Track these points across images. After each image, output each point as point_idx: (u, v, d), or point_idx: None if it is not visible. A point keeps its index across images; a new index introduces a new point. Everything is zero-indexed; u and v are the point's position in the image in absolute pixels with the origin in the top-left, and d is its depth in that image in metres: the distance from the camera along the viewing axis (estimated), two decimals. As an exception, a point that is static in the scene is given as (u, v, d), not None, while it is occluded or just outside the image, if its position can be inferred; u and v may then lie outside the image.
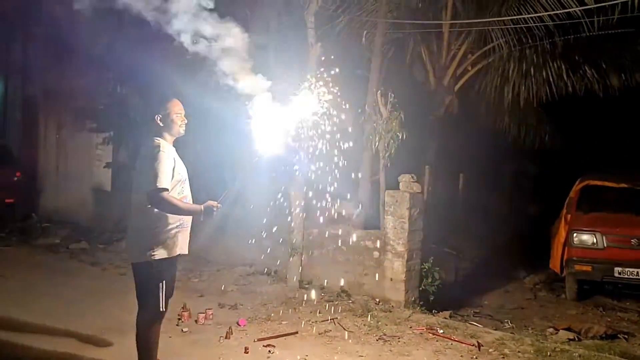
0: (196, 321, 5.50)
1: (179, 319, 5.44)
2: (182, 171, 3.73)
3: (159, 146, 3.61)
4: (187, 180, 3.81)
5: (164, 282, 3.69)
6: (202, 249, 7.92)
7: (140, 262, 3.68)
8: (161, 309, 3.73)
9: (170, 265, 3.78)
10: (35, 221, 10.22)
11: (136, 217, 3.72)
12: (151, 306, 3.71)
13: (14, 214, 10.30)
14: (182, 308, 5.56)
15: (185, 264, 7.72)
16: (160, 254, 3.64)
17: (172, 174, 3.60)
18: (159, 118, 3.70)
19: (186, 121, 3.79)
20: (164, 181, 3.51)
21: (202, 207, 3.64)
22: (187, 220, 3.78)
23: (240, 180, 4.13)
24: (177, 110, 3.75)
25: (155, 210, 3.57)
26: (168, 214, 3.61)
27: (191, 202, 3.82)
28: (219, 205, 3.67)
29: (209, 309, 5.72)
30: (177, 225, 3.70)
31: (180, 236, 3.75)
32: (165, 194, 3.51)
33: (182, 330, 5.28)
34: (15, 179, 10.61)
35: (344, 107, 4.15)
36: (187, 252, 3.87)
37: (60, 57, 9.61)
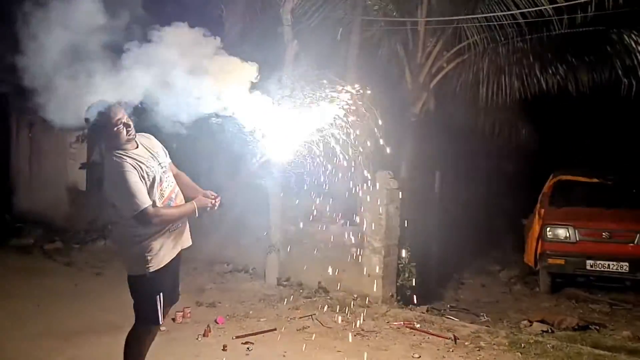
0: (174, 320, 5.48)
1: (157, 318, 5.40)
2: (152, 171, 3.36)
3: (121, 164, 3.26)
4: (168, 174, 3.49)
5: (160, 294, 3.47)
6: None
7: (136, 275, 3.45)
8: (159, 322, 3.53)
9: (167, 272, 3.50)
10: (8, 221, 10.05)
11: (122, 234, 3.46)
12: (148, 319, 3.51)
13: (-15, 215, 10.12)
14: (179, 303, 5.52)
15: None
16: (154, 264, 3.40)
17: (145, 184, 3.29)
18: (105, 130, 3.28)
19: (130, 125, 3.33)
20: (143, 199, 3.23)
21: (194, 204, 3.43)
22: (181, 220, 3.52)
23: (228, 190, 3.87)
24: (111, 122, 3.27)
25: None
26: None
27: (180, 195, 3.54)
28: (216, 198, 3.48)
29: (186, 307, 5.69)
30: (169, 231, 3.44)
31: (175, 239, 3.51)
32: (150, 210, 3.24)
33: (159, 329, 5.24)
34: (-13, 179, 10.43)
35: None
36: (190, 243, 3.66)
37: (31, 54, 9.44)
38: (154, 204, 3.31)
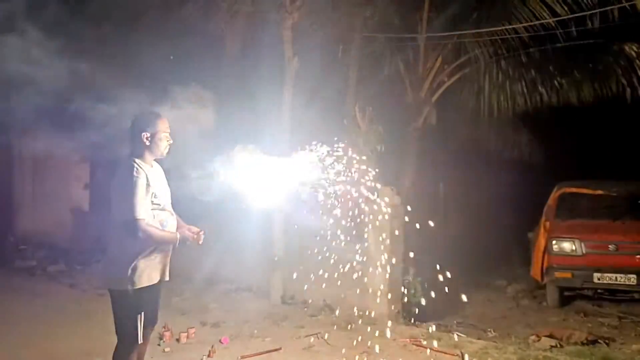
0: (178, 340, 5.43)
1: (161, 339, 5.36)
2: (161, 195, 3.52)
3: (136, 170, 3.39)
4: (169, 203, 3.60)
5: (142, 313, 3.47)
6: (183, 267, 7.81)
7: (117, 289, 3.47)
8: (139, 341, 3.50)
9: (151, 293, 3.54)
10: (11, 243, 10.03)
11: (114, 242, 3.51)
12: (128, 337, 3.49)
13: (-11, 237, 10.10)
14: (164, 327, 5.48)
15: (165, 283, 7.62)
16: (138, 282, 3.42)
17: (147, 200, 3.39)
18: (145, 137, 3.47)
19: (171, 141, 3.56)
20: (140, 211, 3.32)
21: (177, 235, 3.49)
22: (167, 245, 3.58)
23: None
24: (164, 129, 3.52)
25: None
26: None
27: (174, 225, 3.60)
28: (199, 233, 3.56)
29: (191, 327, 5.65)
30: (156, 250, 3.49)
31: (161, 261, 3.55)
32: (142, 224, 3.32)
33: (163, 350, 5.21)
34: (-10, 199, 10.43)
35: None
36: (168, 279, 3.67)
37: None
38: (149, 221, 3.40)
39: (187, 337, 5.49)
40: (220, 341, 5.46)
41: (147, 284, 3.47)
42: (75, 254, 9.42)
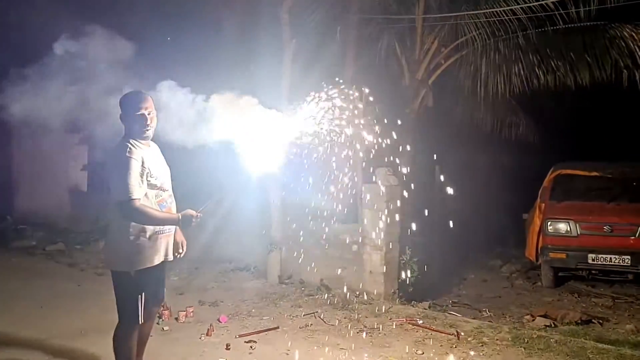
0: (177, 319, 5.49)
1: (160, 318, 5.41)
2: (159, 175, 3.49)
3: (129, 150, 3.35)
4: (168, 182, 3.59)
5: (142, 293, 3.47)
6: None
7: (118, 270, 3.48)
8: (139, 321, 3.51)
9: (152, 274, 3.54)
10: (10, 223, 10.07)
11: (114, 224, 3.50)
12: (129, 317, 3.51)
13: (-13, 217, 10.14)
14: (162, 306, 5.52)
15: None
16: (139, 263, 3.43)
17: (143, 180, 3.37)
18: (135, 116, 3.40)
19: (151, 120, 3.46)
20: (134, 191, 3.29)
21: (179, 215, 3.46)
22: (169, 226, 3.56)
23: (224, 190, 3.92)
24: (151, 107, 3.46)
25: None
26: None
27: (173, 203, 3.62)
28: (199, 214, 3.48)
29: (189, 306, 5.71)
30: (157, 232, 3.48)
31: (162, 243, 3.54)
32: (136, 203, 3.30)
33: (162, 328, 5.27)
34: (-12, 181, 10.45)
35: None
36: (171, 259, 3.66)
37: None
38: (145, 202, 3.38)
39: (186, 315, 5.55)
40: (218, 320, 5.52)
41: (148, 265, 3.48)
42: (73, 234, 9.47)
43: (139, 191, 3.33)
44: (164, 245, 3.57)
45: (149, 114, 3.45)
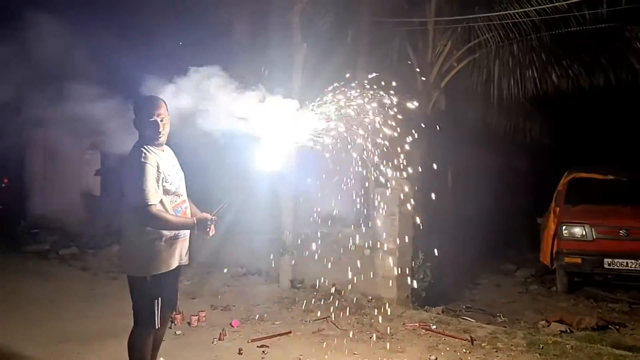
0: (189, 324, 5.49)
1: (172, 322, 5.41)
2: (174, 180, 3.49)
3: (144, 156, 3.34)
4: (183, 186, 3.59)
5: (159, 298, 3.48)
6: (191, 251, 7.89)
7: (134, 275, 3.49)
8: (156, 326, 3.52)
9: (168, 278, 3.54)
10: (24, 227, 10.16)
11: (128, 229, 3.48)
12: (145, 322, 3.52)
13: (2, 221, 10.22)
14: (175, 311, 5.53)
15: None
16: (155, 268, 3.43)
17: (159, 186, 3.37)
18: (150, 121, 3.41)
19: (164, 127, 3.45)
20: (151, 196, 3.29)
21: (194, 220, 3.47)
22: (184, 230, 3.56)
23: (237, 192, 3.91)
24: (165, 112, 3.46)
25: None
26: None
27: (188, 208, 3.62)
28: (214, 217, 3.47)
29: (201, 311, 5.71)
30: (172, 237, 3.48)
31: (178, 247, 3.54)
32: (153, 209, 3.30)
33: (175, 333, 5.27)
34: (3, 185, 10.55)
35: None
36: (186, 262, 3.67)
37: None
38: (162, 207, 3.38)
39: (198, 320, 5.55)
40: (230, 324, 5.51)
41: (164, 270, 3.48)
42: (86, 238, 9.52)
43: (155, 196, 3.33)
44: (179, 250, 3.56)
45: (161, 121, 3.44)
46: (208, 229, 3.49)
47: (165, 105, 3.51)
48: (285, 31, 7.41)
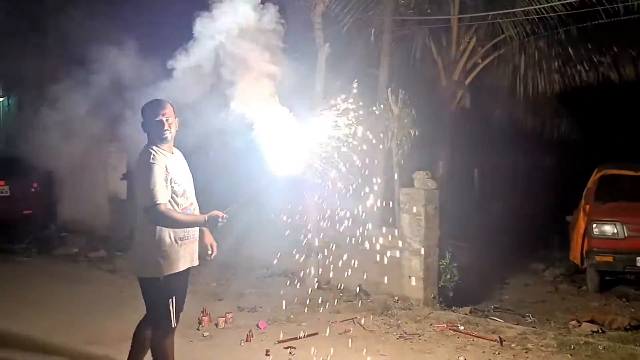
0: (216, 325, 5.52)
1: (200, 324, 5.45)
2: (181, 181, 3.54)
3: (152, 157, 3.42)
4: (191, 188, 3.65)
5: (173, 297, 3.54)
6: (218, 252, 7.93)
7: (147, 277, 3.53)
8: (172, 325, 3.57)
9: (180, 279, 3.60)
10: (53, 231, 10.34)
11: (140, 230, 3.56)
12: (162, 323, 3.57)
13: (32, 225, 10.41)
14: (202, 312, 5.57)
15: (201, 268, 7.74)
16: (167, 269, 3.48)
17: (167, 186, 3.42)
18: (158, 123, 3.48)
19: (170, 126, 3.51)
20: (160, 195, 3.35)
21: (205, 217, 3.47)
22: (194, 231, 3.62)
23: (251, 192, 3.90)
24: (172, 114, 3.54)
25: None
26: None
27: (196, 210, 3.67)
28: (225, 215, 3.47)
29: (228, 312, 5.73)
30: (182, 238, 3.53)
31: (187, 248, 3.59)
32: (162, 208, 3.36)
33: (202, 334, 5.30)
34: (32, 190, 10.76)
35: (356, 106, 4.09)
36: (197, 264, 3.71)
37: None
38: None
39: (225, 322, 5.57)
40: (257, 326, 5.52)
41: (176, 271, 3.52)
42: (114, 241, 9.64)
43: (164, 195, 3.39)
44: (189, 251, 3.62)
45: (167, 120, 3.51)
46: (218, 226, 3.49)
47: (172, 107, 3.58)
48: (307, 33, 7.40)
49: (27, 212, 10.50)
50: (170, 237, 3.48)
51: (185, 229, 3.54)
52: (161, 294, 3.52)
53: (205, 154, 7.53)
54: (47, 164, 11.50)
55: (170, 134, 3.53)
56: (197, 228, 3.64)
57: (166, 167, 3.45)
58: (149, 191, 3.34)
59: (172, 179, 3.46)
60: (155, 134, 3.50)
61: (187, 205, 3.58)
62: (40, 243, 9.72)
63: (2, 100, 14.66)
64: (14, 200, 10.48)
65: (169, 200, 3.45)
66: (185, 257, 3.59)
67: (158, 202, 3.34)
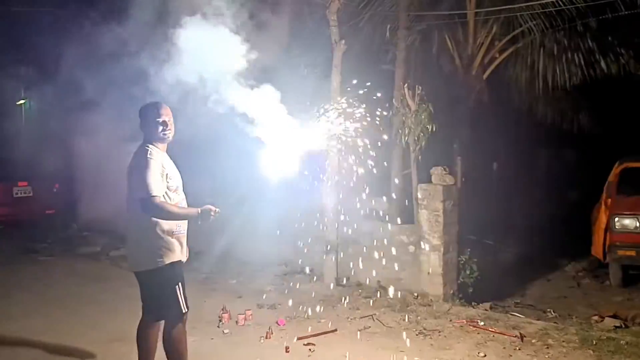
0: (236, 322, 5.56)
1: (220, 321, 5.51)
2: (174, 178, 3.70)
3: (149, 153, 3.58)
4: (181, 187, 3.77)
5: (179, 283, 3.65)
6: (236, 250, 8.01)
7: (150, 269, 3.61)
8: (183, 311, 3.68)
9: (179, 268, 3.71)
10: (75, 231, 10.49)
11: (136, 225, 3.66)
12: (171, 313, 3.67)
13: (54, 225, 10.58)
14: (222, 310, 5.63)
15: (220, 266, 7.82)
16: (167, 257, 3.60)
17: (163, 180, 3.57)
18: (156, 123, 3.65)
19: (169, 127, 3.68)
20: (155, 188, 3.48)
21: (199, 210, 3.58)
22: (183, 226, 3.72)
23: (245, 188, 4.01)
24: (156, 115, 3.66)
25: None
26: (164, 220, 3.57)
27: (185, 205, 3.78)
28: (217, 210, 3.58)
29: (248, 309, 5.77)
30: (174, 232, 3.65)
31: (181, 241, 3.72)
32: (158, 200, 3.48)
33: (223, 332, 5.34)
34: (55, 190, 10.93)
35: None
36: (186, 259, 3.83)
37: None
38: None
39: (245, 319, 5.61)
40: (277, 323, 5.55)
41: (175, 260, 3.64)
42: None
43: (159, 188, 3.52)
44: (179, 245, 3.72)
45: (167, 121, 3.68)
46: (211, 219, 3.60)
47: (170, 110, 3.73)
48: (323, 30, 7.40)
49: (49, 212, 10.69)
50: (164, 230, 3.60)
51: (177, 222, 3.65)
52: (167, 281, 3.62)
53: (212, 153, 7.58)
54: (68, 164, 11.72)
55: (170, 134, 3.70)
56: (186, 223, 3.75)
57: (162, 164, 3.60)
58: (146, 184, 3.47)
59: (167, 174, 3.61)
60: (155, 134, 3.66)
61: (179, 200, 3.71)
62: (62, 242, 9.88)
63: (24, 103, 14.89)
64: (37, 200, 10.66)
65: (163, 195, 3.57)
66: (183, 250, 3.74)
67: (154, 194, 3.47)
